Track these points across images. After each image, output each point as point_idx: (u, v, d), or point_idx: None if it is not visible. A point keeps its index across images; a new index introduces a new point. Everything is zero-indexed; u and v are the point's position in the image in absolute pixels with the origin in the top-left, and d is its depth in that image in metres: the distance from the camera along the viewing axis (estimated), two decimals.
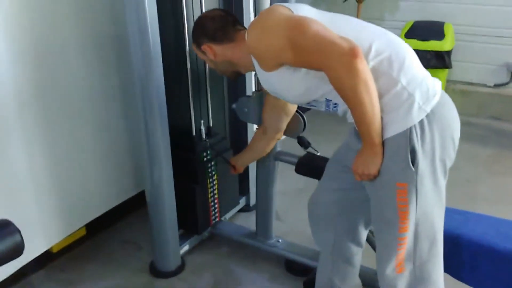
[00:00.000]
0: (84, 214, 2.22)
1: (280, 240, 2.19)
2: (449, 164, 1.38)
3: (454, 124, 1.37)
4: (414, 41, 3.60)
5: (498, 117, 3.71)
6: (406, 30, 3.75)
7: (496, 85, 3.86)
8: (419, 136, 1.28)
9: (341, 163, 1.60)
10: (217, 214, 2.30)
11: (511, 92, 3.79)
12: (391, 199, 1.35)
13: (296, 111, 1.99)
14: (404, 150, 1.29)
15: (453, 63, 3.68)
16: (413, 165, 1.29)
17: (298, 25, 1.28)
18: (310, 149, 2.00)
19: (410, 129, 1.28)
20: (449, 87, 3.89)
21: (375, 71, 1.27)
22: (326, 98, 1.40)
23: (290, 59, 1.31)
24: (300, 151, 2.01)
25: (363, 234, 1.70)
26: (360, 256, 1.74)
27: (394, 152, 1.31)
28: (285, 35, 1.28)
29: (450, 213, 1.80)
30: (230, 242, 2.33)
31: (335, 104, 1.41)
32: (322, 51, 1.23)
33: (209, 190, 2.21)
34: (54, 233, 2.10)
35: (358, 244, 1.70)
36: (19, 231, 1.14)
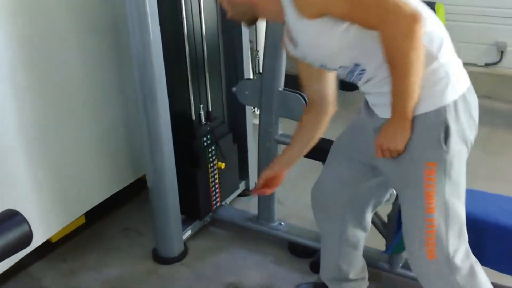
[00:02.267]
0: (83, 202, 2.19)
1: (282, 223, 2.19)
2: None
3: (477, 110, 1.34)
4: None
5: (489, 96, 3.74)
6: None
7: (487, 64, 3.89)
8: (453, 116, 1.25)
9: (348, 148, 1.55)
10: (218, 199, 2.28)
11: (501, 71, 3.83)
12: (418, 178, 1.29)
13: (297, 92, 1.98)
14: (437, 128, 1.25)
15: None
16: (445, 144, 1.25)
17: None
18: None
19: (446, 107, 1.24)
20: None
21: None
22: (355, 63, 1.28)
23: (341, 10, 1.17)
24: None
25: (370, 218, 1.68)
26: (364, 238, 1.74)
27: (426, 130, 1.26)
28: None
29: None
30: (232, 227, 2.32)
31: (362, 70, 1.30)
32: (384, 7, 1.13)
33: (210, 175, 2.20)
34: (53, 222, 2.06)
35: (364, 229, 1.68)
36: (27, 221, 1.12)
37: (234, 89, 2.10)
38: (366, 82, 1.33)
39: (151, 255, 2.16)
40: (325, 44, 1.25)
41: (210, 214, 2.31)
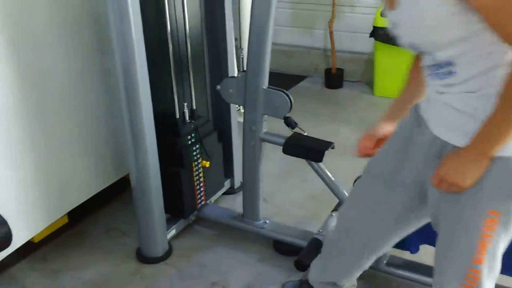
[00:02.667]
0: (65, 202, 2.16)
1: (267, 221, 2.19)
2: None
3: None
4: None
5: None
6: (381, 8, 3.75)
7: None
8: None
9: (389, 177, 1.30)
10: (202, 198, 2.27)
11: None
12: (476, 224, 1.12)
13: (282, 90, 1.98)
14: None
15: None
16: None
17: None
18: (297, 129, 1.99)
19: None
20: None
21: None
22: (450, 61, 1.06)
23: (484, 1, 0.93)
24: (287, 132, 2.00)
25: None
26: None
27: (504, 175, 1.07)
28: None
29: None
30: (217, 225, 2.31)
31: (453, 72, 1.07)
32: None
33: (194, 174, 2.18)
34: (35, 222, 2.03)
35: (381, 255, 1.54)
36: (6, 222, 1.10)
37: (218, 87, 2.09)
38: (449, 86, 1.10)
39: (135, 255, 2.15)
40: (434, 21, 1.01)
41: (195, 212, 2.30)
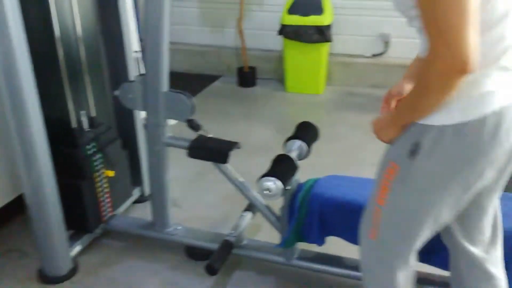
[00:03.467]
0: None
1: (178, 228, 2.13)
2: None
3: (492, 159, 1.19)
4: (296, 17, 3.68)
5: (377, 86, 3.95)
6: (288, 7, 3.80)
7: (374, 55, 4.10)
8: (431, 138, 1.14)
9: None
10: (109, 209, 2.17)
11: (387, 61, 4.06)
12: (381, 170, 1.27)
13: (183, 92, 1.92)
14: (413, 139, 1.17)
15: (333, 36, 3.83)
16: (410, 157, 1.17)
17: None
18: (201, 131, 1.95)
19: (428, 127, 1.15)
20: (331, 60, 4.06)
21: None
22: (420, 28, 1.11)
23: None
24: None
25: None
26: None
27: (410, 137, 1.18)
28: None
29: (339, 181, 1.88)
30: (127, 236, 2.22)
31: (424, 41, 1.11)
32: (439, 28, 0.98)
33: (97, 185, 2.07)
34: None
35: None
36: None
37: (116, 92, 1.99)
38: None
39: (37, 276, 2.00)
40: None
41: (102, 225, 2.18)
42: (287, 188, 1.76)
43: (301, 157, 1.88)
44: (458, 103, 1.09)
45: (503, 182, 1.29)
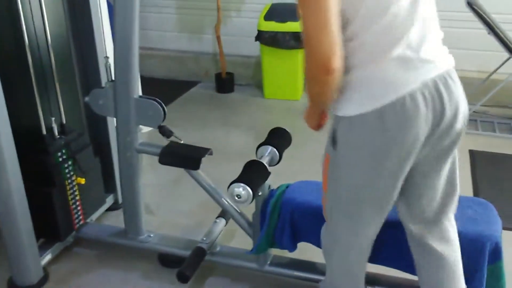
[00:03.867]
0: None
1: (151, 235, 2.11)
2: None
3: (396, 143, 1.32)
4: (273, 23, 3.69)
5: None
6: (264, 12, 3.82)
7: None
8: (344, 129, 1.29)
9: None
10: (81, 217, 2.14)
11: None
12: (323, 161, 1.42)
13: (154, 99, 1.91)
14: (332, 129, 1.35)
15: None
16: (333, 146, 1.33)
17: None
18: (173, 138, 1.94)
19: (341, 118, 1.29)
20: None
21: None
22: None
23: None
24: None
25: None
26: None
27: (333, 129, 1.34)
28: None
29: (311, 186, 1.89)
30: (99, 245, 2.19)
31: None
32: (306, 32, 1.14)
33: (69, 192, 2.04)
34: None
35: None
36: None
37: (86, 99, 1.98)
38: None
39: (6, 285, 1.96)
40: None
41: (73, 233, 2.15)
42: (259, 194, 1.76)
43: (273, 163, 1.88)
44: (361, 95, 1.21)
45: (436, 167, 1.36)
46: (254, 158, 1.82)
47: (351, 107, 1.23)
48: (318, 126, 1.47)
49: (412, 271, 1.61)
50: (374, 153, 1.25)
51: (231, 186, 1.65)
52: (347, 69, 1.18)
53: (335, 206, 1.43)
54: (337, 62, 1.12)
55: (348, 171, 1.32)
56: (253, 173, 1.74)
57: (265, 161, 1.82)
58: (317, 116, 1.44)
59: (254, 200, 1.71)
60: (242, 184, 1.63)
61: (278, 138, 1.96)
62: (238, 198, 1.64)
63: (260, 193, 1.77)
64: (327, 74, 1.13)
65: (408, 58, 1.18)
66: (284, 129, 2.01)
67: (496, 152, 3.07)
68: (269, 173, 1.78)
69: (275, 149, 1.88)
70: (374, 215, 1.38)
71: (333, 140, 1.32)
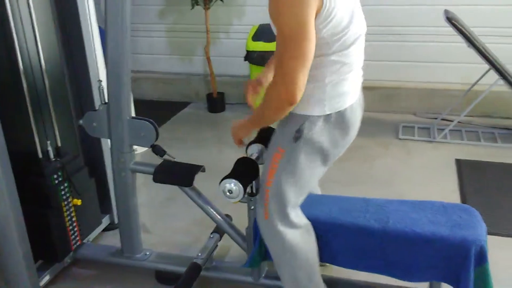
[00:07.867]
0: None
1: (148, 253, 2.15)
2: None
3: (345, 134, 1.63)
4: (261, 43, 3.79)
5: None
6: (252, 33, 3.92)
7: None
8: (309, 126, 1.54)
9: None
10: (77, 238, 2.17)
11: None
12: (270, 157, 1.63)
13: (147, 119, 1.97)
14: (296, 127, 1.55)
15: None
16: (295, 141, 1.55)
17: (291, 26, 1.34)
18: (166, 156, 1.99)
19: (308, 117, 1.54)
20: None
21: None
22: None
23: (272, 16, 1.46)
24: None
25: None
26: None
27: (290, 125, 1.55)
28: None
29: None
30: (96, 265, 2.22)
31: None
32: (280, 62, 1.35)
33: (65, 214, 2.08)
34: None
35: None
36: None
37: (80, 121, 2.03)
38: None
39: None
40: None
41: (71, 254, 2.18)
42: (253, 192, 1.79)
43: (262, 161, 1.92)
44: (325, 99, 1.50)
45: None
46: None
47: (320, 108, 1.51)
48: (240, 142, 1.73)
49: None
50: (332, 145, 1.56)
51: (222, 181, 1.68)
52: (319, 77, 1.46)
53: (285, 182, 1.61)
54: (300, 96, 1.36)
55: (306, 161, 1.57)
56: (244, 170, 1.77)
57: (255, 158, 1.87)
58: (250, 132, 1.67)
59: (247, 208, 1.75)
60: (233, 180, 1.66)
61: (268, 137, 2.00)
62: (230, 193, 1.68)
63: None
64: (290, 105, 1.38)
65: (358, 79, 1.57)
66: (274, 129, 2.06)
67: (481, 160, 3.14)
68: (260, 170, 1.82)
69: (264, 148, 1.92)
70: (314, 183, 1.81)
71: (297, 136, 1.53)
